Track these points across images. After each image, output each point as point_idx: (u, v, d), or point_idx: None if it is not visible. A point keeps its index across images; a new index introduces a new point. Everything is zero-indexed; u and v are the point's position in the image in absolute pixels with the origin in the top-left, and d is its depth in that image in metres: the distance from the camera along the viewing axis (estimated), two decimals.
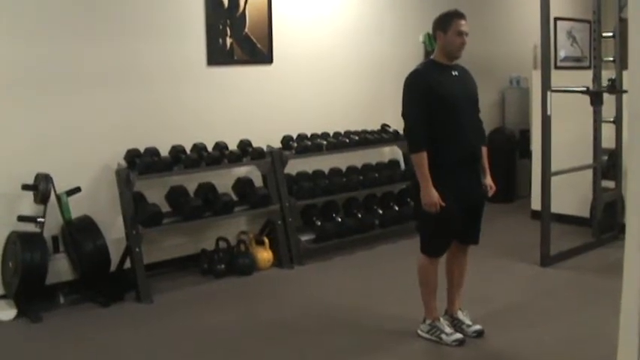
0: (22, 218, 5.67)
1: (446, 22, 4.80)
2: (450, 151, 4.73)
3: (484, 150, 5.03)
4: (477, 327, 4.97)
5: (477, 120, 4.99)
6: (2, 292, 5.81)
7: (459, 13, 4.89)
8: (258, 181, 6.99)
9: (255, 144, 6.88)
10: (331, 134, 7.57)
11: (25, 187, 5.71)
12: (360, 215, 7.49)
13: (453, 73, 4.83)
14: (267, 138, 7.14)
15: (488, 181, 5.02)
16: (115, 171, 6.21)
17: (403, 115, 4.80)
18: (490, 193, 5.04)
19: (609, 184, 7.43)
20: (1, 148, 5.73)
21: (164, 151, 6.39)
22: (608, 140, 7.22)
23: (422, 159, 4.63)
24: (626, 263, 2.68)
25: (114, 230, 6.28)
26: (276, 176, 7.00)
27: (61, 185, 5.85)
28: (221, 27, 6.93)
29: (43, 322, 5.50)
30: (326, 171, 7.49)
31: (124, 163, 6.25)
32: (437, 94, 4.66)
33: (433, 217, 4.67)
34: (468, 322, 5.00)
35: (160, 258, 6.68)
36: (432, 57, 4.95)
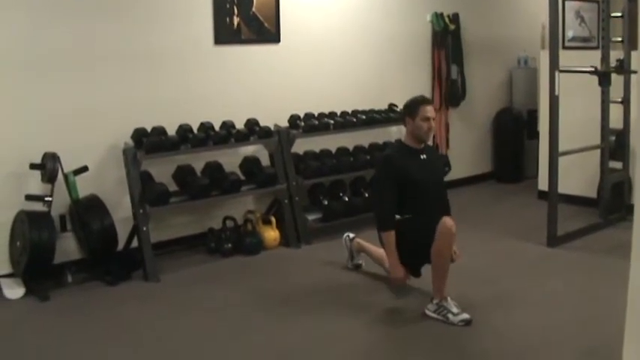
0: (29, 197, 5.69)
1: (413, 109, 5.19)
2: (414, 223, 5.12)
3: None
4: (465, 315, 4.97)
5: (442, 198, 5.40)
6: (10, 270, 5.84)
7: (425, 99, 5.30)
8: (265, 160, 7.00)
9: (262, 123, 6.88)
10: (338, 113, 7.56)
11: (33, 166, 5.73)
12: (367, 194, 7.49)
13: (422, 157, 5.24)
14: (274, 117, 7.14)
15: (455, 248, 5.18)
16: (122, 150, 6.22)
17: (373, 195, 5.47)
18: (456, 259, 5.21)
19: (617, 164, 7.42)
20: (9, 128, 5.75)
21: (171, 130, 6.39)
22: (615, 121, 7.20)
23: (390, 237, 5.11)
24: (634, 244, 2.67)
25: (121, 209, 6.29)
26: (284, 155, 7.00)
27: (68, 164, 5.86)
28: (228, 6, 6.91)
29: (50, 301, 5.53)
30: (333, 150, 7.48)
31: (131, 142, 6.25)
32: (406, 179, 5.10)
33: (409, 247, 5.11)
34: (455, 310, 5.01)
35: (167, 237, 6.71)
36: (402, 140, 5.38)
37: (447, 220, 4.92)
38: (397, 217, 5.12)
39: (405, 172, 5.09)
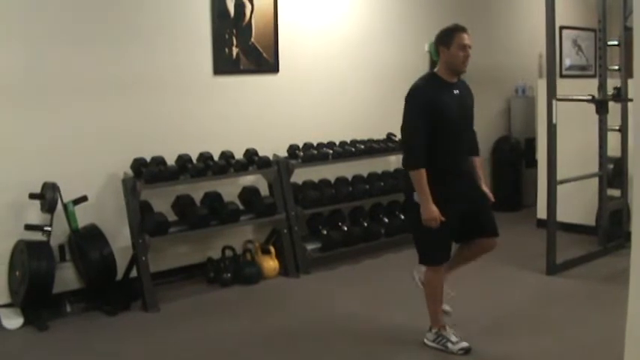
0: (29, 227, 5.69)
1: (448, 36, 4.79)
2: (446, 164, 4.76)
3: (478, 160, 5.13)
4: (464, 344, 4.92)
5: (470, 132, 5.10)
6: (9, 300, 5.81)
7: (460, 27, 4.86)
8: (264, 190, 7.00)
9: (261, 153, 6.90)
10: (337, 143, 7.58)
11: (32, 195, 5.73)
12: (366, 224, 7.50)
13: (455, 92, 4.84)
14: (273, 147, 7.16)
15: (485, 189, 5.06)
16: (121, 180, 6.23)
17: (403, 129, 4.82)
18: (489, 201, 5.06)
19: (615, 192, 7.44)
20: (8, 157, 5.75)
21: (170, 160, 6.40)
22: (613, 149, 7.23)
23: (421, 176, 4.63)
24: (632, 271, 2.68)
25: (120, 239, 6.29)
26: (282, 185, 7.01)
27: (67, 194, 5.86)
28: (227, 36, 6.96)
29: (49, 331, 5.51)
30: (332, 180, 7.49)
31: (130, 172, 6.27)
32: (436, 113, 4.65)
33: (430, 228, 4.68)
34: (454, 338, 4.97)
35: (167, 267, 6.69)
36: (435, 70, 4.91)
37: (492, 242, 4.98)
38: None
39: (437, 108, 4.65)
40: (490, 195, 5.07)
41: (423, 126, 4.64)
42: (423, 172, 4.62)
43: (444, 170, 4.72)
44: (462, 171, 4.90)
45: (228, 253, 6.86)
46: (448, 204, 4.67)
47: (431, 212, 4.62)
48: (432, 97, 4.68)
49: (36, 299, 5.62)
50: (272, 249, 6.93)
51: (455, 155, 4.84)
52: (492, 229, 5.06)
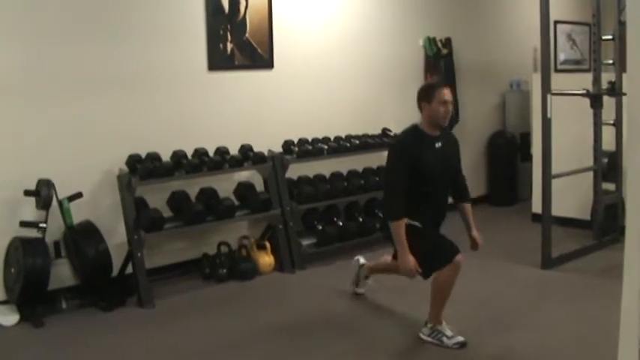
0: (24, 224, 5.68)
1: (430, 92, 4.95)
2: (421, 214, 4.97)
3: (468, 206, 5.27)
4: (459, 338, 4.96)
5: (460, 180, 5.30)
6: (5, 297, 5.82)
7: (441, 83, 5.10)
8: (259, 186, 7.01)
9: (256, 149, 6.90)
10: (332, 138, 7.58)
11: (27, 192, 5.73)
12: (361, 219, 7.50)
13: (437, 145, 4.99)
14: (268, 142, 7.16)
15: (475, 234, 5.17)
16: (116, 176, 6.24)
17: (385, 183, 5.16)
18: (478, 246, 5.18)
19: (610, 186, 7.44)
20: (3, 154, 5.75)
21: (165, 156, 6.40)
22: (608, 143, 7.23)
23: (399, 227, 4.84)
24: (626, 265, 2.68)
25: (116, 235, 6.29)
26: (278, 181, 7.01)
27: (62, 191, 5.86)
28: (222, 32, 6.95)
29: (45, 327, 5.52)
30: (327, 175, 7.49)
31: (125, 169, 6.27)
32: (418, 169, 4.85)
33: (424, 249, 4.90)
34: (449, 333, 5.00)
35: (162, 263, 6.70)
36: (417, 124, 5.06)
37: (460, 257, 4.85)
38: (409, 222, 4.91)
39: (418, 163, 4.84)
40: (480, 241, 5.18)
41: (403, 180, 4.86)
42: (402, 223, 4.85)
43: (420, 218, 4.97)
44: (433, 224, 5.08)
45: (224, 248, 6.86)
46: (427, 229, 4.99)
47: (407, 263, 4.84)
48: (414, 153, 4.88)
49: (31, 296, 5.62)
50: (267, 244, 6.93)
51: (433, 207, 5.04)
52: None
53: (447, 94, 4.91)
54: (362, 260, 6.09)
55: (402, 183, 4.85)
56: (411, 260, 4.81)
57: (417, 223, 4.92)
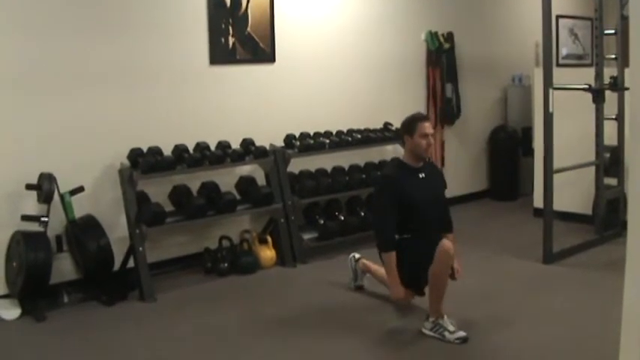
0: (25, 218, 5.69)
1: (411, 126, 5.16)
2: (414, 244, 5.10)
3: (451, 237, 5.30)
4: (461, 333, 4.97)
5: (444, 211, 5.43)
6: (6, 291, 5.82)
7: (422, 116, 5.33)
8: (261, 180, 7.01)
9: (257, 143, 6.89)
10: (334, 133, 7.58)
11: (29, 186, 5.72)
12: (362, 213, 7.50)
13: (420, 176, 5.22)
14: (269, 137, 7.16)
15: (457, 265, 5.16)
16: (118, 170, 6.23)
17: (373, 216, 5.42)
18: (457, 277, 5.18)
19: (611, 181, 7.44)
20: (5, 148, 5.75)
21: (167, 151, 6.40)
22: (610, 137, 7.23)
23: (390, 258, 5.09)
24: (628, 259, 2.68)
25: (117, 229, 6.29)
26: (279, 175, 7.01)
27: (64, 185, 5.86)
28: (223, 26, 6.95)
29: (46, 321, 5.51)
30: (329, 169, 7.48)
31: (127, 163, 6.26)
32: (405, 200, 5.08)
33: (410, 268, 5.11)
34: (451, 327, 5.00)
35: (164, 257, 6.70)
36: (401, 158, 5.38)
37: (445, 243, 4.90)
38: (397, 236, 5.12)
39: (404, 194, 5.07)
40: (460, 271, 5.19)
41: (391, 212, 5.10)
42: (393, 254, 5.09)
43: (412, 248, 5.11)
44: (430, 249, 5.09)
45: (225, 243, 6.86)
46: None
47: (398, 293, 5.15)
48: (399, 185, 5.13)
49: (33, 290, 5.62)
50: (269, 239, 6.93)
51: (424, 234, 5.11)
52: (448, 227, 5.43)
53: (428, 127, 5.14)
54: (357, 255, 6.17)
55: (390, 215, 5.09)
56: (401, 291, 5.11)
57: (406, 235, 5.15)
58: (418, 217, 5.11)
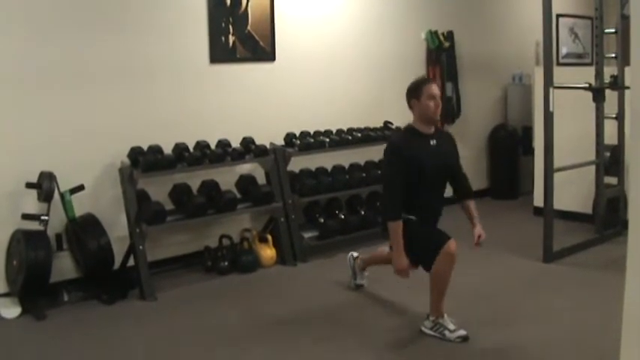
0: (25, 216, 5.69)
1: (417, 88, 5.03)
2: (417, 210, 4.99)
3: (472, 203, 5.25)
4: (462, 332, 4.96)
5: (462, 178, 5.31)
6: (7, 289, 5.82)
7: (427, 79, 5.21)
8: (261, 179, 7.01)
9: (258, 141, 6.89)
10: (334, 131, 7.58)
11: (29, 185, 5.73)
12: (363, 212, 7.51)
13: (431, 143, 5.04)
14: (269, 135, 7.16)
15: (478, 231, 5.14)
16: (118, 169, 6.23)
17: (383, 183, 5.18)
18: (479, 242, 5.14)
19: (612, 180, 7.44)
20: (5, 147, 5.75)
21: (167, 149, 6.40)
22: (610, 136, 7.22)
23: (397, 227, 4.89)
24: (629, 259, 2.68)
25: (117, 228, 6.29)
26: (279, 173, 7.01)
27: (64, 183, 5.86)
28: (224, 25, 6.94)
29: (47, 320, 5.52)
30: (329, 168, 7.48)
31: (127, 161, 6.26)
32: (415, 167, 4.89)
33: (420, 243, 4.96)
34: (451, 326, 5.00)
35: (164, 255, 6.70)
36: (411, 123, 5.13)
37: (450, 244, 4.83)
38: (404, 216, 4.95)
39: (414, 160, 4.88)
40: (483, 234, 5.15)
41: (401, 180, 4.91)
42: (399, 223, 4.90)
43: (414, 213, 4.99)
44: (429, 220, 5.11)
45: (226, 241, 6.86)
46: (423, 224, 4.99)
47: (401, 263, 4.92)
48: (409, 152, 4.94)
49: (33, 288, 5.62)
50: (269, 237, 6.93)
51: (428, 204, 5.07)
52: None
53: (434, 88, 5.01)
54: (355, 254, 6.17)
55: (400, 183, 4.90)
56: (404, 261, 4.91)
57: (412, 217, 4.96)
58: (426, 186, 4.95)
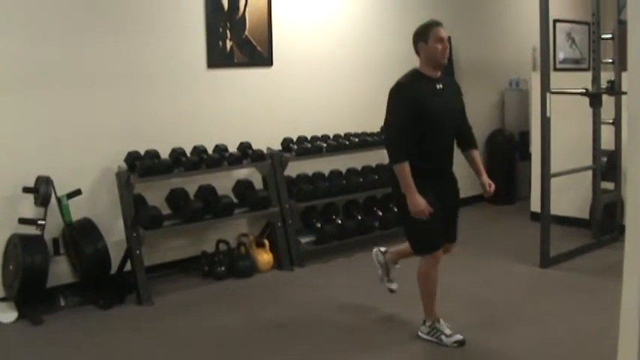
0: (22, 221, 5.68)
1: (425, 31, 4.87)
2: (426, 161, 4.80)
3: (476, 152, 5.17)
4: (458, 337, 4.95)
5: (466, 129, 5.17)
6: (3, 294, 5.81)
7: (435, 21, 4.96)
8: (258, 184, 7.01)
9: (255, 146, 6.89)
10: (331, 136, 7.58)
11: (26, 189, 5.72)
12: (360, 217, 7.51)
13: (438, 87, 4.87)
14: (267, 140, 7.16)
15: (486, 179, 5.07)
16: (115, 173, 6.23)
17: (386, 125, 4.95)
18: (491, 190, 5.08)
19: (609, 185, 7.45)
20: (2, 152, 5.74)
21: (164, 154, 6.40)
22: (607, 142, 7.23)
23: (404, 169, 4.68)
24: (625, 264, 2.69)
25: (114, 233, 6.28)
26: (276, 178, 7.01)
27: (61, 188, 5.86)
28: (221, 29, 6.95)
29: (43, 325, 5.51)
30: (326, 173, 7.49)
31: (124, 166, 6.26)
32: (420, 109, 4.72)
33: (415, 229, 4.82)
34: (448, 331, 4.99)
35: (161, 260, 6.70)
36: (417, 67, 4.96)
37: (440, 253, 4.82)
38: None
39: (418, 102, 4.71)
40: (492, 186, 5.09)
41: (407, 122, 4.72)
42: (406, 165, 4.67)
43: (427, 167, 4.80)
44: (443, 171, 5.00)
45: (223, 246, 6.85)
46: (434, 195, 4.77)
47: (418, 204, 4.66)
48: (415, 94, 4.75)
49: (30, 293, 5.61)
50: (266, 242, 6.93)
51: (438, 151, 4.92)
52: (454, 236, 5.13)
53: (442, 31, 4.87)
54: (382, 248, 5.75)
55: (404, 124, 4.73)
56: (421, 202, 4.65)
57: (422, 165, 4.78)
58: (433, 131, 4.80)
